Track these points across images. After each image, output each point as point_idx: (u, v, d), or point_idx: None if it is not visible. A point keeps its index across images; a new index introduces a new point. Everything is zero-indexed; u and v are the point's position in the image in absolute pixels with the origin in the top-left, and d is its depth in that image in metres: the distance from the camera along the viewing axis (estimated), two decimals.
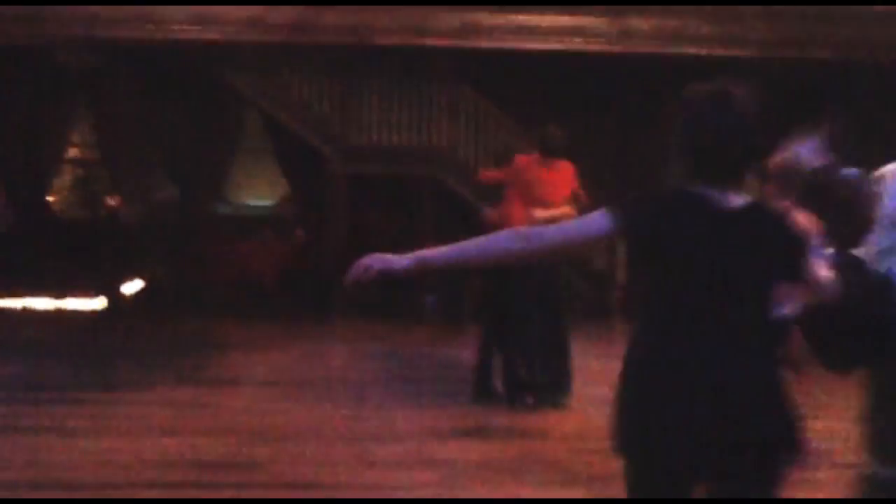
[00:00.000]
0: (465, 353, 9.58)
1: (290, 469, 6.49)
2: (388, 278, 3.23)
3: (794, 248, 3.11)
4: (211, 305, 14.85)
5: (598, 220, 3.07)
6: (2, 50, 14.39)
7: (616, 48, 14.53)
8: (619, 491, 3.05)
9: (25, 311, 14.16)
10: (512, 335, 8.34)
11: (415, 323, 14.13)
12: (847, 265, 3.48)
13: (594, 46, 14.55)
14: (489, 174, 9.33)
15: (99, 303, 14.71)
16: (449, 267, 3.38)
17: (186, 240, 16.01)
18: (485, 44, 14.59)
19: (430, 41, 14.48)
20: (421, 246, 3.37)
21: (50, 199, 17.07)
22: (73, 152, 17.11)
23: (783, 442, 3.02)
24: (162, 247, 15.96)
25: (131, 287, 15.40)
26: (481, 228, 8.76)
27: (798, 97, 13.70)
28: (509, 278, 8.10)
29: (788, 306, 3.52)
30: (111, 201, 16.12)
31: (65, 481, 6.09)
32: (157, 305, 14.59)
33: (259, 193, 18.23)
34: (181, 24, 14.17)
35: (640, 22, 14.50)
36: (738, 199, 3.06)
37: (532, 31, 14.60)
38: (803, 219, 3.54)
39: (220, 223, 17.10)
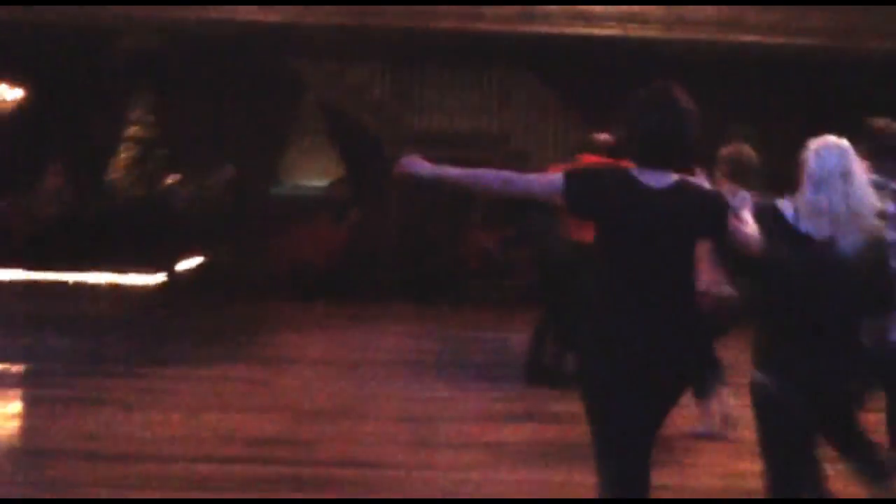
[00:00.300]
0: (516, 336, 9.62)
1: (342, 447, 6.58)
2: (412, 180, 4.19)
3: (715, 214, 3.91)
4: (266, 285, 15.00)
5: (555, 181, 3.92)
6: (65, 32, 14.60)
7: (673, 35, 14.44)
8: (669, 475, 3.15)
9: (85, 287, 14.39)
10: (566, 321, 8.36)
11: (466, 306, 14.17)
12: (764, 211, 4.33)
13: (651, 32, 14.48)
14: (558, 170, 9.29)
15: (157, 279, 14.91)
16: (456, 186, 4.15)
17: (242, 220, 16.16)
18: (542, 29, 14.57)
19: (487, 26, 14.49)
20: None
21: (109, 177, 17.29)
22: (131, 131, 17.29)
23: (691, 372, 4.02)
24: (218, 226, 16.12)
25: (188, 265, 15.59)
26: (534, 216, 8.84)
27: (858, 88, 13.58)
28: (570, 266, 8.10)
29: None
30: (169, 180, 16.29)
31: (123, 452, 6.23)
32: (212, 284, 14.76)
33: (314, 175, 18.33)
34: (242, 6, 14.29)
35: (698, 9, 14.40)
36: (668, 179, 3.85)
37: (589, 17, 14.57)
38: (730, 190, 4.99)
39: (275, 204, 17.23)
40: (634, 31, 14.56)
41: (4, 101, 15.88)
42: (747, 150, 6.63)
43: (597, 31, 14.56)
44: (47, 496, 5.34)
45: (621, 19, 14.54)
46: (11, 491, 5.47)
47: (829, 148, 4.34)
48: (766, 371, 4.17)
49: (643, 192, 3.81)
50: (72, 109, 16.36)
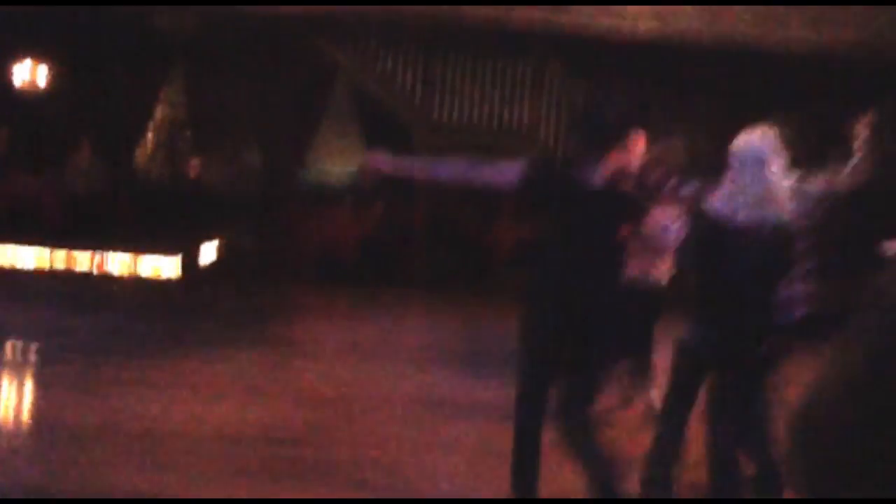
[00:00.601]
0: None
1: (361, 435, 6.57)
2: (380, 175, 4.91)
3: (633, 204, 4.69)
4: (290, 270, 15.02)
5: (515, 167, 4.53)
6: (97, 10, 14.64)
7: (705, 30, 14.33)
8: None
9: (111, 266, 14.45)
10: None
11: (494, 296, 14.11)
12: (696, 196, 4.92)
13: (683, 26, 14.37)
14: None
15: (181, 262, 14.96)
16: (421, 178, 5.31)
17: (268, 204, 16.18)
18: (571, 20, 14.49)
19: (517, 16, 14.43)
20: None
21: (137, 157, 17.35)
22: (160, 112, 17.32)
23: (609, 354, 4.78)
24: (244, 210, 16.14)
25: (212, 248, 15.62)
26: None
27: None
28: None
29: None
30: (196, 162, 16.32)
31: (145, 430, 6.24)
32: (237, 268, 14.80)
33: (342, 161, 18.33)
34: None
35: (733, 8, 14.29)
36: (598, 173, 4.52)
37: (620, 12, 14.47)
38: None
39: (302, 189, 17.24)
40: (665, 26, 14.46)
41: (35, 82, 15.94)
42: (676, 142, 6.69)
43: (628, 24, 14.47)
44: (70, 473, 5.35)
45: (652, 13, 14.44)
46: (32, 469, 5.49)
47: (752, 137, 4.85)
48: (689, 330, 4.75)
49: (577, 184, 4.53)
50: (103, 88, 16.40)
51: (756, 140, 4.85)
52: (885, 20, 13.92)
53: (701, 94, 15.45)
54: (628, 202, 4.64)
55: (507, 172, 4.58)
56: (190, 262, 14.91)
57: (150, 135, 17.48)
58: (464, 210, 15.30)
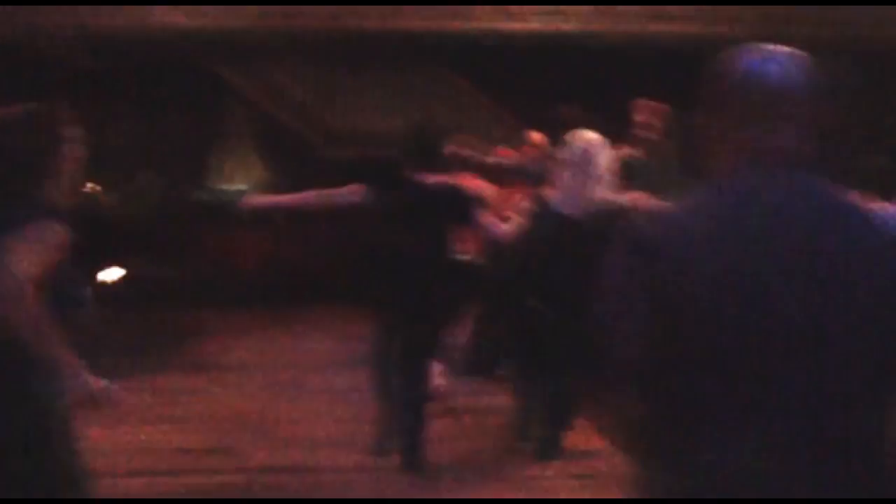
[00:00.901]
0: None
1: (273, 454, 6.46)
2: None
3: (461, 203, 5.64)
4: (192, 292, 14.79)
5: (354, 189, 5.86)
6: None
7: (595, 27, 14.43)
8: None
9: None
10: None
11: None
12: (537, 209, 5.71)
13: (574, 26, 14.47)
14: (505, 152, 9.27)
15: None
16: (290, 209, 6.51)
17: (166, 227, 15.93)
18: (464, 25, 14.51)
19: (408, 24, 14.40)
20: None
21: None
22: None
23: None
24: (143, 234, 15.87)
25: (111, 274, 15.30)
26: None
27: None
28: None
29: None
30: (91, 188, 15.98)
31: None
32: (137, 293, 14.51)
33: (240, 180, 18.13)
34: (163, 9, 14.03)
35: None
36: (430, 177, 5.69)
37: (511, 13, 14.52)
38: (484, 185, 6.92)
39: (201, 210, 17.02)
40: (557, 25, 14.55)
41: None
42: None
43: (520, 26, 14.54)
44: None
45: (543, 13, 14.52)
46: None
47: (579, 140, 5.36)
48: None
49: (407, 184, 5.70)
50: None
51: (583, 142, 5.34)
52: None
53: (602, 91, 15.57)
54: (458, 202, 5.72)
55: (350, 192, 5.76)
56: (90, 289, 14.58)
57: None
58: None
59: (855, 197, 2.12)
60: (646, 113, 6.75)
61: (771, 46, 2.16)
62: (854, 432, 1.92)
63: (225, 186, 17.88)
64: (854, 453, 1.92)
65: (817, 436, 1.89)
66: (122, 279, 15.15)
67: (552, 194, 5.64)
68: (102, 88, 15.95)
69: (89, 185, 15.49)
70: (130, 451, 6.46)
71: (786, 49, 2.15)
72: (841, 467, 1.91)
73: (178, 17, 14.08)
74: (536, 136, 8.43)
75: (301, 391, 8.48)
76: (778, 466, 1.88)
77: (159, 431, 6.98)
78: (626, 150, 6.49)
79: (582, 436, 6.35)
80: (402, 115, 15.80)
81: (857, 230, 1.98)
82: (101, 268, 14.99)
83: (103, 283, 14.75)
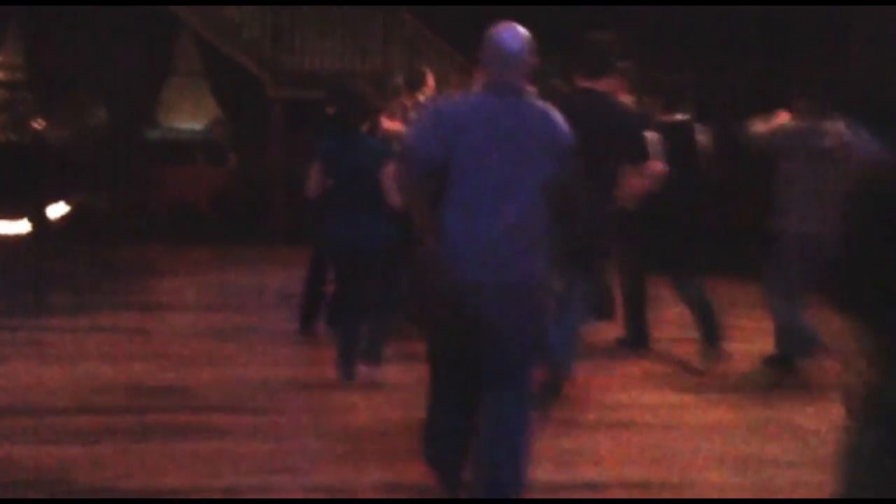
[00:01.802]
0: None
1: (223, 394, 6.50)
2: None
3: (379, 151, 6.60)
4: (142, 230, 14.72)
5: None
6: None
7: None
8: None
9: None
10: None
11: None
12: None
13: None
14: None
15: (25, 226, 14.49)
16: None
17: (116, 164, 15.78)
18: None
19: None
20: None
21: None
22: None
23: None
24: (91, 171, 15.71)
25: (58, 211, 15.17)
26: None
27: None
28: None
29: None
30: (38, 124, 15.78)
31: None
32: (86, 230, 14.41)
33: (191, 118, 17.97)
34: None
35: None
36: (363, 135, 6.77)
37: None
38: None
39: (151, 147, 16.87)
40: None
41: None
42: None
43: None
44: None
45: None
46: None
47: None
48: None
49: (346, 139, 6.79)
50: None
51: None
52: None
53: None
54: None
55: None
56: (37, 226, 14.47)
57: None
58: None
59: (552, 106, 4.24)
60: None
61: (512, 24, 4.17)
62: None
63: (178, 124, 17.73)
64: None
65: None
66: (71, 215, 15.04)
67: None
68: (53, 25, 15.70)
69: (38, 120, 15.31)
70: (83, 388, 6.46)
71: (519, 27, 4.16)
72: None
73: None
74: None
75: (250, 332, 8.50)
76: None
77: (111, 369, 6.99)
78: None
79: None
80: (355, 56, 15.73)
81: (533, 119, 4.14)
82: (49, 203, 14.87)
83: (52, 219, 14.65)
